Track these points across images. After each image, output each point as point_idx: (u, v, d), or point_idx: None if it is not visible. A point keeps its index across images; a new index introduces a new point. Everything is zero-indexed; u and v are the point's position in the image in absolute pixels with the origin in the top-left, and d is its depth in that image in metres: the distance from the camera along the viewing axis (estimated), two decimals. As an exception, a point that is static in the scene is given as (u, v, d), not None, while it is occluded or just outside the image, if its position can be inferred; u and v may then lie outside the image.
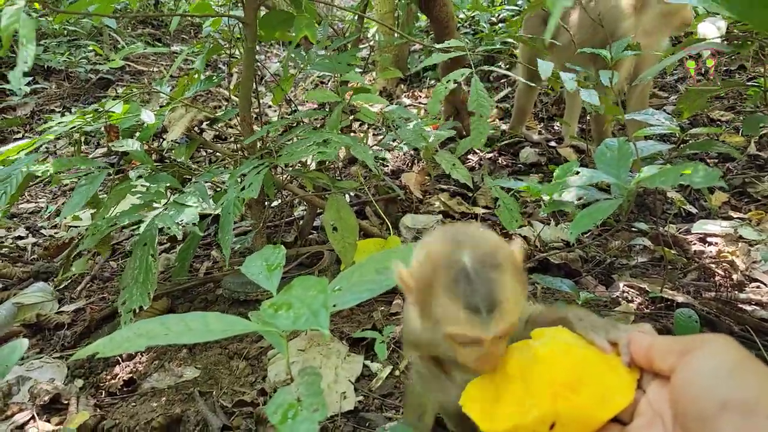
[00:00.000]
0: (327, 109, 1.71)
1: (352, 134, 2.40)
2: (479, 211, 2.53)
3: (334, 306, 0.90)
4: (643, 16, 2.46)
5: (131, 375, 1.54)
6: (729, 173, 2.77)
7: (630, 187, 1.13)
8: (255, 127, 1.77)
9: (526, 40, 2.34)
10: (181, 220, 1.42)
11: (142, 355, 1.62)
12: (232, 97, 2.56)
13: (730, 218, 2.41)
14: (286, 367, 1.37)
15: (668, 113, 1.83)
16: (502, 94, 4.00)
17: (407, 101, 4.23)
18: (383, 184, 2.71)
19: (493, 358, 0.73)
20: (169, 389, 1.46)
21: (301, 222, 2.32)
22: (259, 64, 2.09)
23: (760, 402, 0.44)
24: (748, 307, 1.82)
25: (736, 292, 1.95)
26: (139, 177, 1.59)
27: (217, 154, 2.90)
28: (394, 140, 3.36)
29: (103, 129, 1.76)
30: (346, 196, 2.80)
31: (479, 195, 2.64)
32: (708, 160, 2.88)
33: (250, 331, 0.92)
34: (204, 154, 3.35)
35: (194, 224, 1.41)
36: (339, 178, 2.33)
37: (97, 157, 3.33)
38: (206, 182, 1.58)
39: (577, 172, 1.26)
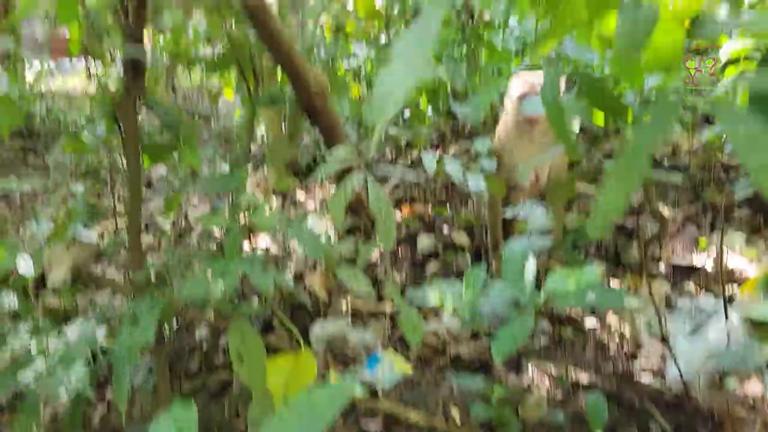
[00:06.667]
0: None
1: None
2: (388, 309, 2.55)
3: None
4: None
5: None
6: (602, 242, 3.05)
7: (539, 305, 1.21)
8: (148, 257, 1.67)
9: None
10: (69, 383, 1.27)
11: None
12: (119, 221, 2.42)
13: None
14: None
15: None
16: (392, 183, 4.14)
17: (302, 196, 4.25)
18: (288, 291, 2.64)
19: None
20: None
21: (204, 347, 2.19)
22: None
23: None
24: (644, 378, 1.97)
25: (631, 362, 2.11)
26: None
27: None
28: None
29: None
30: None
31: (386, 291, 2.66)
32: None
33: None
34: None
35: (85, 386, 1.27)
36: (241, 295, 2.25)
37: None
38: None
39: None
